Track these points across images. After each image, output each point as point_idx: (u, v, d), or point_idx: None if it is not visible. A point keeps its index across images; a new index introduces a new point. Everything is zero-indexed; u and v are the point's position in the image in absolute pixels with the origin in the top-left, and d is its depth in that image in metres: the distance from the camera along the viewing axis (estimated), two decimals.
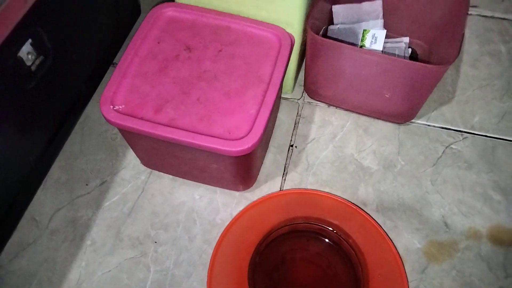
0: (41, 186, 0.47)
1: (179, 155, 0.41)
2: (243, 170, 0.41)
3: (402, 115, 0.48)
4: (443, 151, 0.48)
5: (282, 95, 0.53)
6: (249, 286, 0.30)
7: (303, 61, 0.53)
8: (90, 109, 0.53)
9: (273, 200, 0.42)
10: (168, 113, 0.38)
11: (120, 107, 0.38)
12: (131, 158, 0.49)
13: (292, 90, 0.53)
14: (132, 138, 0.41)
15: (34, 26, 0.38)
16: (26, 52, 0.38)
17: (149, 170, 0.48)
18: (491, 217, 0.44)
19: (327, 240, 0.33)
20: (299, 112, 0.52)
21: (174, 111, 0.38)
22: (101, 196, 0.47)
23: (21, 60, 0.38)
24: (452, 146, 0.49)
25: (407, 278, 0.38)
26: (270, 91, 0.38)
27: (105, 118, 0.38)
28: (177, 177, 0.47)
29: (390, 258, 0.39)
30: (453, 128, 0.50)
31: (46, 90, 0.41)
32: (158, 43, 0.42)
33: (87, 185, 0.47)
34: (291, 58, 0.44)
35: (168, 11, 0.43)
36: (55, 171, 0.48)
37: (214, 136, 0.36)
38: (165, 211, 0.46)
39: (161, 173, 0.48)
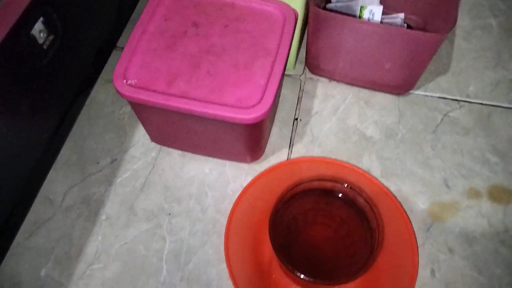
0: (53, 167, 0.48)
1: (191, 127, 0.42)
2: (253, 140, 0.43)
3: (401, 86, 0.50)
4: (441, 119, 0.50)
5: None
6: (273, 245, 0.31)
7: (303, 38, 0.55)
8: (95, 92, 0.54)
9: (283, 168, 0.44)
10: (179, 86, 0.39)
11: (132, 81, 0.39)
12: (139, 136, 0.50)
13: (294, 67, 0.55)
14: (144, 112, 0.42)
15: (45, 5, 0.39)
16: (39, 30, 0.38)
17: (158, 147, 0.49)
18: (490, 177, 0.46)
19: (340, 195, 0.34)
20: (302, 88, 0.53)
21: (185, 84, 0.39)
22: (113, 173, 0.48)
23: (33, 39, 0.39)
24: (450, 114, 0.51)
25: (415, 236, 0.40)
26: (278, 62, 0.40)
27: (119, 92, 0.39)
28: (186, 153, 0.49)
29: (398, 217, 0.40)
30: (449, 97, 0.52)
31: (57, 69, 0.42)
32: (165, 20, 0.43)
33: (98, 163, 0.48)
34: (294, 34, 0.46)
35: None
36: (65, 152, 0.49)
37: (226, 105, 0.38)
38: (176, 185, 0.47)
39: (170, 150, 0.49)
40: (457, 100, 0.52)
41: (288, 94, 0.53)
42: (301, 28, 0.49)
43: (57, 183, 0.47)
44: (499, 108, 0.51)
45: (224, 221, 0.43)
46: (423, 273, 0.41)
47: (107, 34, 0.52)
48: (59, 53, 0.42)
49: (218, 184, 0.47)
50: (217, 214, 0.45)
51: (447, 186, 0.46)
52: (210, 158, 0.48)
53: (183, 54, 0.41)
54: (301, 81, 0.54)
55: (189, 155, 0.49)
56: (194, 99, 0.38)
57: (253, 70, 0.40)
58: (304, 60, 0.55)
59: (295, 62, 0.54)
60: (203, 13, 0.43)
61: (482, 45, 0.56)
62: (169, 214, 0.45)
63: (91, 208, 0.46)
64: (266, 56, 0.41)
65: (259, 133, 0.42)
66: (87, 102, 0.53)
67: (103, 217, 0.45)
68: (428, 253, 0.42)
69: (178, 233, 0.44)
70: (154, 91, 0.38)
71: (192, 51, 0.41)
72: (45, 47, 0.39)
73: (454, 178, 0.46)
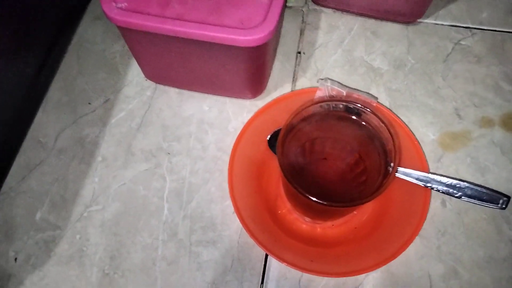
0: (42, 108, 0.45)
1: (188, 57, 0.39)
2: (255, 69, 0.40)
3: (411, 12, 0.47)
4: (453, 47, 0.48)
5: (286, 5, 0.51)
6: (282, 170, 0.29)
7: None
8: (83, 30, 0.50)
9: (287, 100, 0.41)
10: (175, 8, 0.36)
11: (123, 4, 0.36)
12: (133, 75, 0.47)
13: None
14: (137, 41, 0.39)
15: None
16: None
17: (154, 85, 0.46)
18: (502, 106, 0.44)
19: (353, 117, 0.32)
20: (304, 20, 0.50)
21: (181, 6, 0.36)
22: (106, 113, 0.45)
23: None
24: (461, 42, 0.48)
25: (428, 166, 0.39)
26: None
27: (107, 16, 0.35)
28: (183, 90, 0.46)
29: (410, 146, 0.39)
30: (461, 25, 0.49)
31: None
32: None
33: (90, 104, 0.45)
34: None
35: None
36: (55, 93, 0.46)
37: (227, 27, 0.34)
38: (175, 123, 0.44)
39: (167, 88, 0.46)
40: (469, 27, 0.49)
41: (290, 27, 0.49)
42: None
43: (48, 126, 0.44)
44: None
45: (226, 158, 0.41)
46: (434, 204, 0.40)
47: None
48: None
49: (219, 122, 0.44)
50: (218, 152, 0.43)
51: (459, 116, 0.44)
52: (209, 95, 0.46)
53: None
54: (303, 12, 0.50)
55: (186, 92, 0.46)
56: (191, 21, 0.35)
57: None
58: None
59: None
60: None
61: None
62: (169, 153, 0.43)
63: (86, 150, 0.43)
64: None
65: (262, 60, 0.39)
66: (75, 40, 0.49)
67: (99, 158, 0.43)
68: None
69: (179, 172, 0.42)
70: (147, 14, 0.35)
71: None
72: None
73: (466, 107, 0.44)
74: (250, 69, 0.39)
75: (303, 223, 0.39)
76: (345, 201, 0.29)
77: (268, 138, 0.41)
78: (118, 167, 0.42)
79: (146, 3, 0.36)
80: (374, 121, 0.31)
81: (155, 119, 0.45)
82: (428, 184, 0.36)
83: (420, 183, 0.36)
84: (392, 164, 0.29)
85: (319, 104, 0.31)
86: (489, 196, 0.35)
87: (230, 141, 0.42)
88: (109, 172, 0.42)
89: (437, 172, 0.41)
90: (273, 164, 0.40)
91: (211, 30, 0.34)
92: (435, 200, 0.40)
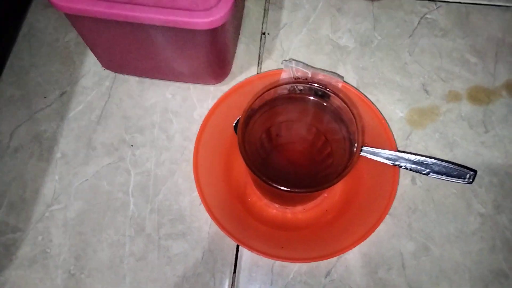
0: None
1: (143, 43, 0.37)
2: (215, 53, 0.38)
3: None
4: (419, 21, 0.47)
5: None
6: (245, 160, 0.28)
7: None
8: (33, 19, 0.47)
9: (252, 84, 0.40)
10: None
11: None
12: (90, 65, 0.45)
13: None
14: (88, 29, 0.37)
15: None
16: None
17: (112, 74, 0.44)
18: (469, 79, 0.44)
19: (314, 99, 0.31)
20: None
21: None
22: (64, 107, 0.43)
23: None
24: (427, 15, 0.47)
25: (396, 144, 0.38)
26: None
27: (52, 3, 0.33)
28: (144, 79, 0.44)
29: (377, 124, 0.38)
30: None
31: None
32: None
33: (45, 97, 0.43)
34: None
35: None
36: (7, 88, 0.43)
37: (180, 9, 0.32)
38: (137, 114, 0.42)
39: (126, 76, 0.44)
40: (434, 0, 0.48)
41: (253, 6, 0.48)
42: None
43: (1, 123, 0.42)
44: (477, 6, 0.48)
45: (192, 147, 0.40)
46: (404, 182, 0.40)
47: None
48: None
49: (183, 110, 0.43)
50: (184, 141, 0.41)
51: (426, 91, 0.43)
52: (172, 82, 0.44)
53: None
54: None
55: (148, 81, 0.44)
56: (141, 5, 0.32)
57: None
58: None
59: None
60: None
61: None
62: (132, 145, 0.41)
63: (43, 147, 0.41)
64: None
65: (222, 43, 0.37)
66: (25, 30, 0.46)
67: (58, 155, 0.41)
68: None
69: (143, 164, 0.40)
70: (95, 1, 0.33)
71: None
72: None
73: (433, 82, 0.44)
74: (210, 53, 0.37)
75: (273, 209, 0.38)
76: (311, 186, 0.28)
77: (234, 124, 0.39)
78: (79, 163, 0.40)
79: None
80: (337, 102, 0.30)
81: (115, 110, 0.43)
82: (396, 163, 0.36)
83: (389, 162, 0.36)
84: (356, 145, 0.28)
85: (281, 87, 0.30)
86: (456, 171, 0.35)
87: (196, 129, 0.41)
88: (70, 168, 0.40)
89: (406, 150, 0.41)
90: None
91: (162, 13, 0.32)
92: (405, 178, 0.40)
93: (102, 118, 0.42)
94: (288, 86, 0.30)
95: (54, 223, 0.38)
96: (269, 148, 0.34)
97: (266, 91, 0.29)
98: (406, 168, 0.36)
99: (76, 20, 0.35)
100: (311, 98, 0.31)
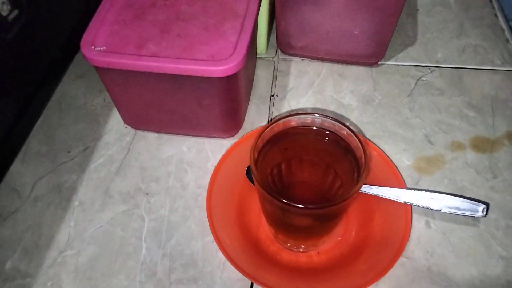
0: (20, 159, 0.45)
1: (164, 94, 0.41)
2: (229, 102, 0.41)
3: (373, 54, 0.51)
4: (415, 83, 0.51)
5: (257, 55, 0.55)
6: (258, 182, 0.29)
7: (273, 23, 0.56)
8: (66, 87, 0.52)
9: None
10: (150, 49, 0.38)
11: (101, 48, 0.38)
12: (113, 124, 0.48)
13: (266, 50, 0.55)
14: (115, 82, 0.41)
15: None
16: (1, 1, 0.38)
17: (133, 132, 0.47)
18: (470, 130, 0.46)
19: (321, 131, 0.33)
20: (276, 68, 0.54)
21: (156, 46, 0.38)
22: (86, 160, 0.45)
23: None
24: (423, 78, 0.51)
25: (403, 179, 0.39)
26: (248, 20, 0.40)
27: (86, 58, 0.38)
28: (162, 134, 0.47)
29: (387, 169, 0.39)
30: (420, 64, 0.53)
31: (23, 46, 0.41)
32: None
33: (69, 152, 0.46)
34: (262, 11, 0.47)
35: None
36: (34, 144, 0.47)
37: (199, 60, 0.37)
38: (154, 165, 0.45)
39: (146, 133, 0.47)
40: (427, 66, 0.53)
41: (263, 74, 0.53)
42: (270, 9, 0.50)
43: (25, 175, 0.44)
44: (469, 70, 0.52)
45: (205, 194, 0.41)
46: (417, 225, 0.39)
47: (76, 21, 0.52)
48: (24, 30, 0.41)
49: (198, 161, 0.45)
50: (198, 189, 0.43)
51: (430, 142, 0.45)
52: (188, 137, 0.47)
53: (152, 22, 0.40)
54: (274, 62, 0.54)
55: (165, 136, 0.47)
56: (165, 57, 0.37)
57: (223, 30, 0.40)
58: (275, 45, 0.55)
59: (267, 46, 0.55)
60: None
61: (444, 18, 0.58)
62: (147, 194, 0.42)
63: (63, 196, 0.42)
64: (235, 17, 0.41)
65: (235, 93, 0.41)
66: (58, 95, 0.51)
67: (76, 203, 0.42)
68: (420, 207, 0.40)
69: (157, 211, 0.41)
70: (124, 53, 0.38)
71: (161, 19, 0.41)
72: (9, 19, 0.38)
73: (435, 133, 0.46)
74: (224, 102, 0.41)
75: (287, 253, 0.37)
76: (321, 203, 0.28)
77: (246, 169, 0.41)
78: (95, 210, 0.41)
79: (123, 46, 0.38)
80: (344, 132, 0.32)
81: (134, 162, 0.45)
82: (407, 200, 0.36)
83: (399, 200, 0.36)
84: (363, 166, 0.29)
85: (289, 119, 0.32)
86: (468, 205, 0.35)
87: (209, 178, 0.43)
88: (86, 215, 0.41)
89: None
90: (253, 196, 0.40)
91: (184, 63, 0.36)
92: (419, 222, 0.40)
93: (120, 169, 0.44)
94: (295, 118, 0.32)
95: (65, 269, 0.38)
96: (280, 186, 0.35)
97: (276, 121, 0.32)
98: (418, 205, 0.36)
99: (106, 74, 0.40)
100: (316, 130, 0.33)
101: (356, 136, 0.31)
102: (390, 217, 0.37)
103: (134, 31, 0.40)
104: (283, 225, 0.34)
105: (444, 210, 0.35)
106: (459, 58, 0.54)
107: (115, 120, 0.49)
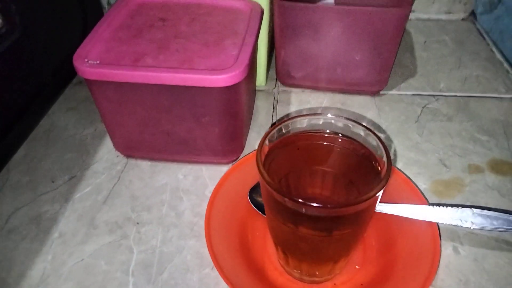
0: None
1: (161, 111, 0.38)
2: (229, 119, 0.38)
3: (375, 82, 0.50)
4: (421, 110, 0.49)
5: (256, 88, 0.53)
6: (270, 185, 0.26)
7: (272, 56, 0.55)
8: (56, 118, 0.49)
9: None
10: (147, 62, 0.36)
11: (95, 62, 0.36)
12: (103, 153, 0.45)
13: (266, 82, 0.54)
14: (107, 99, 0.38)
15: None
16: None
17: (124, 160, 0.44)
18: (486, 153, 0.43)
19: (336, 135, 0.30)
20: (276, 98, 0.52)
21: (153, 60, 0.37)
22: (70, 189, 0.41)
23: None
24: (428, 106, 0.50)
25: (423, 195, 0.35)
26: (249, 36, 0.39)
27: (78, 71, 0.36)
28: (156, 162, 0.43)
29: (401, 183, 0.36)
30: (424, 93, 0.52)
31: (12, 64, 0.39)
32: (131, 17, 0.42)
33: (53, 182, 0.42)
34: (261, 43, 0.47)
35: None
36: (14, 175, 0.43)
37: (198, 70, 0.35)
38: (146, 194, 0.40)
39: (139, 161, 0.44)
40: (432, 95, 0.51)
41: (263, 104, 0.51)
42: (269, 37, 0.50)
43: (0, 206, 0.39)
44: (473, 98, 0.51)
45: (203, 223, 0.36)
46: (444, 252, 0.35)
47: (71, 46, 0.51)
48: (15, 48, 0.39)
49: (194, 188, 0.41)
50: (194, 218, 0.38)
51: (445, 165, 0.42)
52: (184, 165, 0.43)
53: (150, 40, 0.39)
54: (274, 93, 0.53)
55: (160, 164, 0.43)
56: (164, 67, 0.35)
57: (223, 45, 0.38)
58: (275, 78, 0.54)
59: (266, 78, 0.54)
60: (170, 11, 0.43)
61: (442, 53, 0.59)
62: (137, 223, 0.38)
63: (41, 227, 0.38)
64: (236, 35, 0.40)
65: (236, 107, 0.38)
66: (47, 126, 0.48)
67: (56, 235, 0.37)
68: (445, 230, 0.36)
69: (148, 241, 0.36)
70: (119, 65, 0.35)
71: (160, 37, 0.39)
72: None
73: (450, 157, 0.43)
74: (224, 119, 0.38)
75: (298, 286, 0.32)
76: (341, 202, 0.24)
77: (248, 191, 0.37)
78: (77, 242, 0.36)
79: (117, 61, 0.36)
80: (361, 132, 0.29)
81: (124, 191, 0.41)
82: (432, 218, 0.32)
83: (424, 219, 0.32)
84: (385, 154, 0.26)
85: (297, 120, 0.30)
86: (501, 219, 0.31)
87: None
88: (66, 248, 0.36)
89: None
90: (257, 221, 0.36)
91: (184, 73, 0.34)
92: (445, 248, 0.35)
93: (108, 198, 0.40)
94: (305, 120, 0.29)
95: None
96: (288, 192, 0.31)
97: (283, 122, 0.29)
98: (445, 223, 0.32)
99: (98, 89, 0.37)
100: (328, 135, 0.30)
101: (375, 135, 0.28)
102: (415, 239, 0.33)
103: (131, 47, 0.38)
104: (294, 243, 0.29)
105: (475, 226, 0.31)
106: (463, 87, 0.53)
107: (106, 149, 0.45)
